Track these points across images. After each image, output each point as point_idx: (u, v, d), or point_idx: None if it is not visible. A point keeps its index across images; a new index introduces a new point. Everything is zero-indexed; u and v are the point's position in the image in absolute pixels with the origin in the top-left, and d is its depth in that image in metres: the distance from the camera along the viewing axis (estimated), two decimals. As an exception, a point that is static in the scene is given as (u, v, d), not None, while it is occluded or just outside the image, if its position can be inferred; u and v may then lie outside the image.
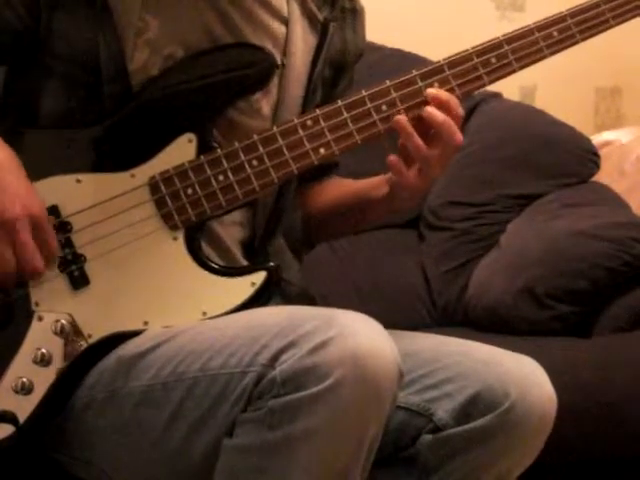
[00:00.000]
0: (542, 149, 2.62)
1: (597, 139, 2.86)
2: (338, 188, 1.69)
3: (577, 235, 2.37)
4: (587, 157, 2.65)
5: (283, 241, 1.63)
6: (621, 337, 2.23)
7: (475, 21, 3.04)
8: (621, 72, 3.29)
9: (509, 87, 2.74)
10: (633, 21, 1.58)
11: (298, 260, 1.66)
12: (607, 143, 2.90)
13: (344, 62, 1.65)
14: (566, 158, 2.62)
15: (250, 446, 1.28)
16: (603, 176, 2.67)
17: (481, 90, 2.73)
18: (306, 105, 1.57)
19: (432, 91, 1.48)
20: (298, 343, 1.25)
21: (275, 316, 1.33)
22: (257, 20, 1.54)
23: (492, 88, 2.70)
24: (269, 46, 1.52)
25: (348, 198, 1.66)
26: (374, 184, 1.61)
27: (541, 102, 3.07)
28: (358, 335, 1.26)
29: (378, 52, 2.59)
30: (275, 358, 1.26)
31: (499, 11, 3.15)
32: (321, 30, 1.59)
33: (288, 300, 1.56)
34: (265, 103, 1.54)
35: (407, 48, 2.66)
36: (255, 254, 1.56)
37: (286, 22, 1.56)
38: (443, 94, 1.48)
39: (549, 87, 3.17)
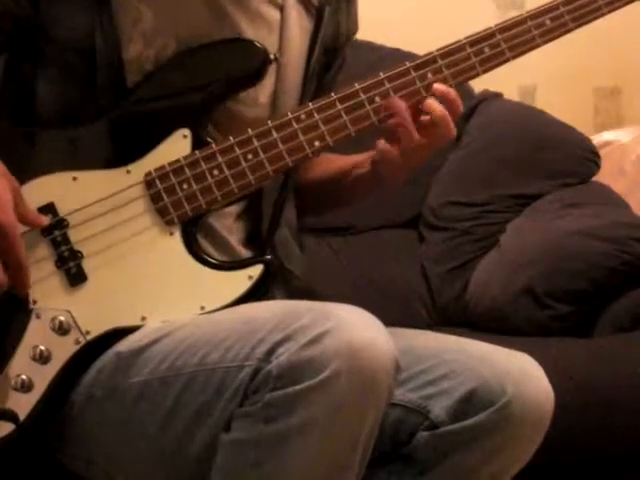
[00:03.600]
0: (542, 149, 2.62)
1: (597, 139, 2.86)
2: (325, 162, 1.68)
3: (577, 235, 2.37)
4: (587, 157, 2.64)
5: (288, 232, 1.62)
6: (621, 337, 2.23)
7: (476, 21, 3.03)
8: (621, 72, 3.28)
9: (509, 87, 2.74)
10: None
11: (300, 248, 1.66)
12: (607, 143, 2.89)
13: (336, 45, 1.64)
14: (566, 158, 2.61)
15: (247, 440, 1.28)
16: (603, 176, 2.67)
17: (481, 90, 2.75)
18: (305, 90, 1.57)
19: (438, 86, 1.48)
20: (294, 336, 1.25)
21: (271, 310, 1.33)
22: (251, 8, 1.53)
23: (492, 88, 2.72)
24: (264, 33, 1.52)
25: (334, 173, 1.66)
26: (357, 162, 1.62)
27: (541, 102, 3.07)
28: (354, 327, 1.26)
29: (378, 52, 2.59)
30: (271, 352, 1.26)
31: (500, 10, 3.14)
32: (316, 14, 1.58)
33: (292, 294, 1.56)
34: (262, 92, 1.54)
35: (407, 48, 2.65)
36: (262, 246, 1.55)
37: (281, 8, 1.56)
38: (451, 91, 1.49)
39: (549, 87, 3.16)
